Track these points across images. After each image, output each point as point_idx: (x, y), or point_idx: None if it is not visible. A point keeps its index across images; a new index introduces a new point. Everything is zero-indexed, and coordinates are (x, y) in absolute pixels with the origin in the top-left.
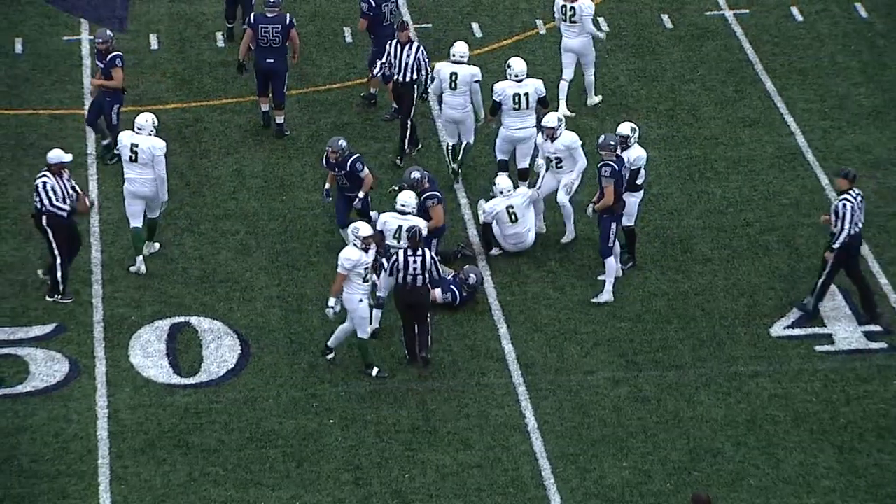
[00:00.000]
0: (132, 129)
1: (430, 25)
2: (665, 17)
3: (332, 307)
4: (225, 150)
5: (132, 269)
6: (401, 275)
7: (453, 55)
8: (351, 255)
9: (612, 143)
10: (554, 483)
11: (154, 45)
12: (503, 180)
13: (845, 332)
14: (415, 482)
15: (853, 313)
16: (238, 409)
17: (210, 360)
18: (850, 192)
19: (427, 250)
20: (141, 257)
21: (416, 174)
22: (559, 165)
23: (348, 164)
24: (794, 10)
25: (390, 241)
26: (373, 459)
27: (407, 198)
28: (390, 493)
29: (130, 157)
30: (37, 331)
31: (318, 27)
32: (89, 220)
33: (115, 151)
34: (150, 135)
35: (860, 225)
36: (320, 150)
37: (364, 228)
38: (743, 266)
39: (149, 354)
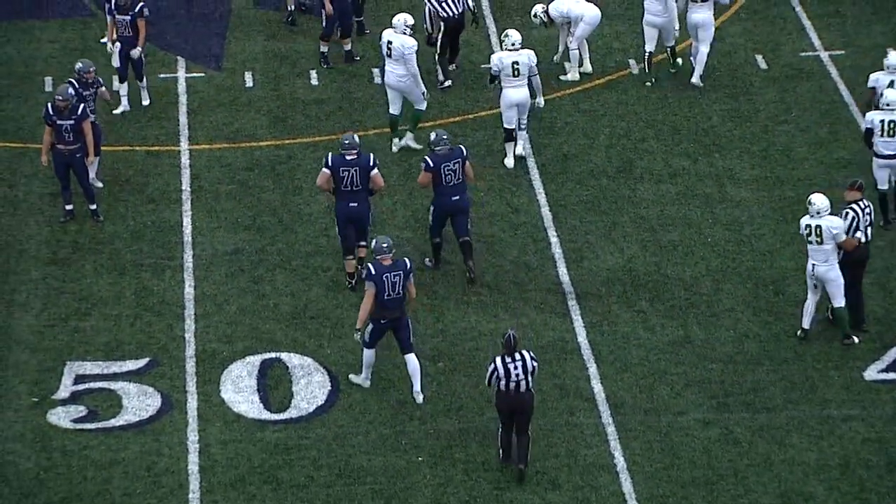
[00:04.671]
0: (391, 28)
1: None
2: (759, 58)
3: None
4: (317, 188)
5: (394, 147)
6: (502, 382)
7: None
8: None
9: (373, 244)
10: None
11: (249, 82)
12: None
13: None
14: None
15: None
16: (327, 446)
17: (300, 397)
18: (859, 202)
19: (526, 353)
20: (397, 139)
21: (373, 242)
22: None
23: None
24: (890, 52)
25: None
26: (461, 498)
27: None
28: None
29: (387, 53)
30: (130, 365)
31: None
32: (182, 256)
33: (94, 208)
34: (402, 34)
35: (868, 236)
36: (411, 188)
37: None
38: None
39: (240, 390)
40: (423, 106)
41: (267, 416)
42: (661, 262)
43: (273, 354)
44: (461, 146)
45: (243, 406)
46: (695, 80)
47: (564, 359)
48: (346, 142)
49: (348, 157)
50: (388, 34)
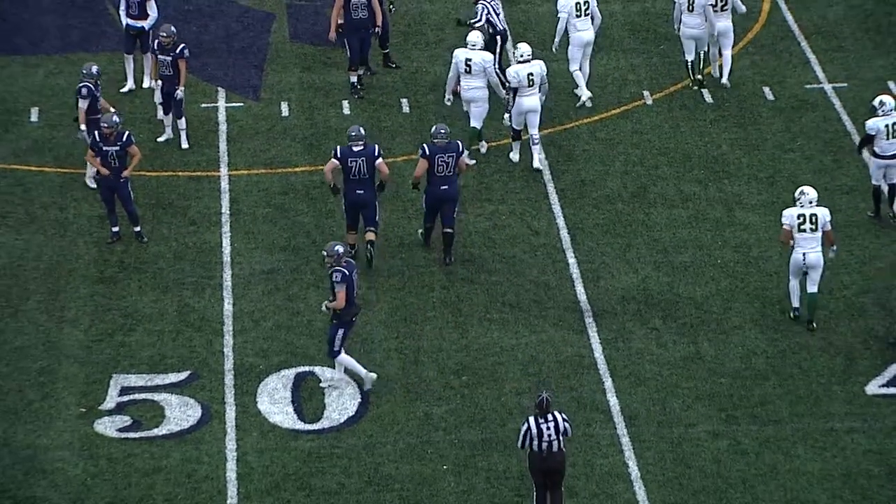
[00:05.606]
0: (465, 47)
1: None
2: (766, 90)
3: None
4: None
5: (480, 147)
6: (535, 443)
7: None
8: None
9: (338, 250)
10: None
11: (285, 111)
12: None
13: None
14: None
15: None
16: (357, 454)
17: (332, 408)
18: None
19: (558, 414)
20: (483, 142)
21: (339, 248)
22: None
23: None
24: (891, 84)
25: None
26: None
27: None
28: None
29: (465, 70)
30: (172, 378)
31: (437, 97)
32: (222, 275)
33: (140, 231)
34: (481, 49)
35: None
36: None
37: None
38: (839, 326)
39: (275, 401)
40: (480, 124)
41: (301, 426)
42: (673, 283)
43: (307, 368)
44: (458, 141)
45: (278, 417)
46: (724, 81)
47: (581, 373)
48: (353, 133)
49: (355, 148)
50: (463, 53)
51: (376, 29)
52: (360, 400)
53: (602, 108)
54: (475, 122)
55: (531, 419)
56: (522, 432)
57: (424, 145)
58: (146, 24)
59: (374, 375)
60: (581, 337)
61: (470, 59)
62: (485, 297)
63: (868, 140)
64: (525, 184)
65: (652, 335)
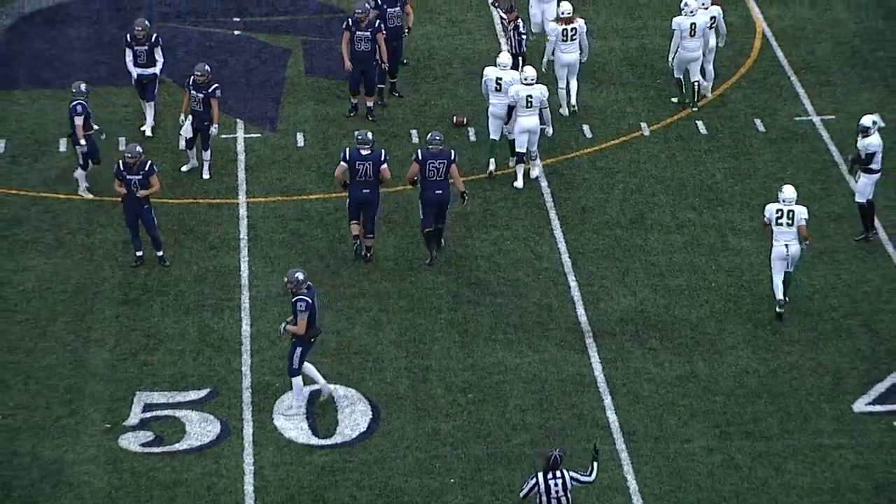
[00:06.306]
0: (494, 66)
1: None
2: (758, 122)
3: None
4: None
5: (490, 168)
6: (543, 498)
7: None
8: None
9: (298, 277)
10: None
11: (300, 142)
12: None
13: None
14: None
15: None
16: (369, 469)
17: (344, 424)
18: None
19: (565, 471)
20: (492, 160)
21: (299, 275)
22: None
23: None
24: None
25: None
26: None
27: None
28: None
29: (495, 88)
30: (193, 395)
31: (444, 127)
32: (240, 297)
33: (163, 257)
34: (512, 69)
35: None
36: (444, 236)
37: None
38: (828, 347)
39: (290, 418)
40: (498, 136)
41: (315, 441)
42: (669, 305)
43: (320, 386)
44: (451, 150)
45: (294, 432)
46: (706, 84)
47: (582, 391)
48: (360, 137)
49: (363, 152)
50: (494, 72)
51: (383, 64)
52: (371, 416)
53: (601, 138)
54: (494, 135)
55: (539, 475)
56: (529, 485)
57: (419, 150)
58: (156, 69)
59: (293, 412)
60: (582, 356)
61: (500, 78)
62: (490, 318)
63: (868, 160)
64: (528, 210)
65: (649, 355)
